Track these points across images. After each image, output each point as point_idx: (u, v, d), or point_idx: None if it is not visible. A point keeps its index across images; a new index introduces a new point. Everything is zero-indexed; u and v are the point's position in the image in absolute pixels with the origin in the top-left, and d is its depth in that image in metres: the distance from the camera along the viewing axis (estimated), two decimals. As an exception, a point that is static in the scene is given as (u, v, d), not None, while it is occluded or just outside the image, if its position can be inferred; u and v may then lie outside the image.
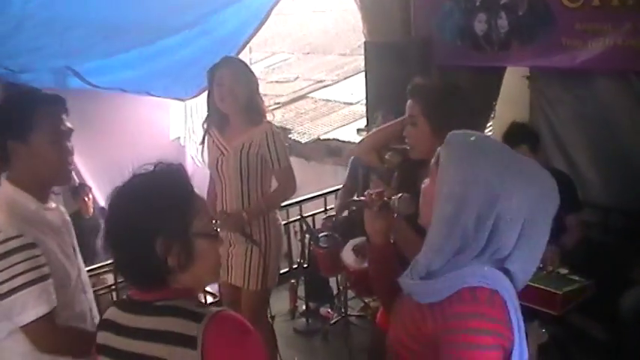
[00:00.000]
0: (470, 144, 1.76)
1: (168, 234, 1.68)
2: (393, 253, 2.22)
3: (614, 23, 3.99)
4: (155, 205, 1.69)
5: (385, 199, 2.16)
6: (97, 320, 2.50)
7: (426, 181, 1.87)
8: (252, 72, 3.84)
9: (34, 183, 2.34)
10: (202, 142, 4.00)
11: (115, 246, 1.75)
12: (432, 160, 1.83)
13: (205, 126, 3.91)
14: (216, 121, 3.85)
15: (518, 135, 4.35)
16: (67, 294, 2.35)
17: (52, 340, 2.24)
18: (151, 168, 1.77)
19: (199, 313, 1.65)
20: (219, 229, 1.89)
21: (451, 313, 1.66)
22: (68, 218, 2.59)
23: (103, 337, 1.81)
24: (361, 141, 3.50)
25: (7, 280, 2.15)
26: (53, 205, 2.45)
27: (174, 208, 1.71)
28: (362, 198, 2.25)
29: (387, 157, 2.99)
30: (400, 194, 2.11)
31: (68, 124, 2.40)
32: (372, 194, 2.18)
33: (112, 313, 1.82)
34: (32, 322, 2.17)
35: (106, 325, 1.82)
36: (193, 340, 1.61)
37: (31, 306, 2.16)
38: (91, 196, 6.73)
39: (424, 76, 2.93)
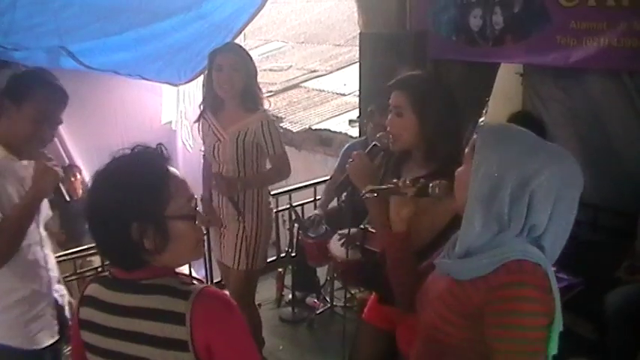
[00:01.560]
0: (502, 130, 1.96)
1: (142, 219, 1.71)
2: (410, 241, 2.30)
3: (609, 23, 3.99)
4: (129, 190, 1.72)
5: (419, 185, 2.18)
6: (52, 274, 2.86)
7: (461, 168, 1.98)
8: (251, 60, 3.88)
9: (9, 138, 2.65)
10: (197, 121, 4.04)
11: (95, 229, 1.79)
12: (467, 149, 1.96)
13: (201, 107, 3.95)
14: (212, 105, 3.90)
15: (517, 123, 4.35)
16: None
17: None
18: (129, 152, 1.81)
19: (185, 291, 1.73)
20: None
21: (497, 284, 1.77)
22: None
23: (87, 313, 1.85)
24: None
25: None
26: (25, 162, 2.72)
27: (147, 192, 1.73)
28: (389, 186, 2.27)
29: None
30: (438, 180, 2.13)
31: (60, 116, 2.75)
32: (405, 180, 2.21)
33: (95, 290, 1.87)
34: None
35: (88, 301, 1.86)
36: (182, 317, 1.68)
37: None
38: (79, 177, 6.69)
39: (414, 69, 2.96)
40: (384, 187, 2.31)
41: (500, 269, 1.78)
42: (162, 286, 1.75)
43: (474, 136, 1.92)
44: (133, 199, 1.71)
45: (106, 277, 1.88)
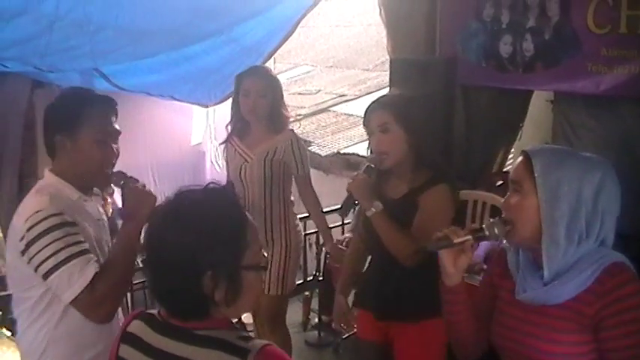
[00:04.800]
0: (555, 149, 2.02)
1: (218, 268, 1.58)
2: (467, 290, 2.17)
3: (640, 50, 3.98)
4: (208, 236, 1.58)
5: (472, 229, 2.03)
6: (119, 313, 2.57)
7: (512, 197, 2.00)
8: (278, 82, 3.92)
9: (75, 177, 2.42)
10: (223, 143, 4.10)
11: (155, 273, 1.66)
12: (515, 176, 1.99)
13: (229, 129, 3.98)
14: (238, 128, 3.92)
15: None
16: None
17: (99, 309, 2.26)
18: (200, 189, 1.68)
19: (244, 349, 1.58)
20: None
21: (607, 289, 1.85)
22: (105, 218, 2.63)
23: (127, 352, 1.73)
24: None
25: (52, 255, 2.20)
26: (92, 199, 2.51)
27: (229, 241, 1.61)
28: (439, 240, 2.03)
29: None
30: (490, 220, 2.03)
31: (116, 126, 2.50)
32: (454, 230, 2.01)
33: (139, 329, 1.74)
34: (78, 295, 2.20)
35: (131, 339, 1.74)
36: None
37: (76, 278, 2.20)
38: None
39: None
40: (434, 243, 2.03)
41: (600, 277, 1.86)
42: (218, 340, 1.60)
43: (519, 160, 1.97)
44: (212, 246, 1.57)
45: (154, 318, 1.73)
